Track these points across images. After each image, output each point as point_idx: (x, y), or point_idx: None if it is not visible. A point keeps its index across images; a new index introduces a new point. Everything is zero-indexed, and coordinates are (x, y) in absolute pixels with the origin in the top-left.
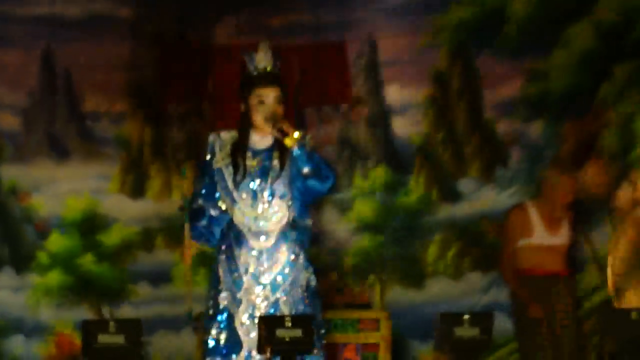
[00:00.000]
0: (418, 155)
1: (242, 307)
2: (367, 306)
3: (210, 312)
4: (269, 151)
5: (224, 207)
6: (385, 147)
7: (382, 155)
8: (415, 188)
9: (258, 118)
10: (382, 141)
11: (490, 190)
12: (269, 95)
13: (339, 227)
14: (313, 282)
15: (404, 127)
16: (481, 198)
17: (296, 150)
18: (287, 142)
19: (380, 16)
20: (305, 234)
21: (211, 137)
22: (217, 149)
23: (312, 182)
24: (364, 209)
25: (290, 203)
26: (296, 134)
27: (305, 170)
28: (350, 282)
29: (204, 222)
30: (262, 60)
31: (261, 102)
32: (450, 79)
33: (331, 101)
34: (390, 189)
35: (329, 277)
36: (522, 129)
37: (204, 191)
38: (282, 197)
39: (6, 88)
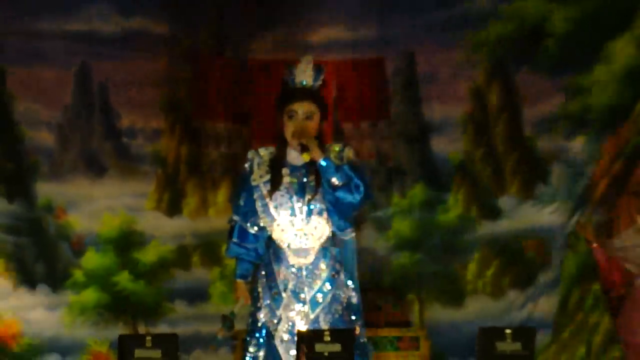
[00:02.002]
0: (457, 173)
1: (281, 325)
2: (406, 324)
3: (249, 329)
4: (306, 167)
5: (262, 224)
6: (424, 164)
7: (421, 173)
8: (454, 206)
9: (287, 134)
10: (420, 159)
11: (531, 208)
12: (298, 111)
13: (378, 245)
14: (355, 300)
15: (442, 145)
16: (521, 215)
17: (321, 162)
18: (304, 157)
19: (419, 32)
20: (347, 248)
21: (250, 154)
22: (255, 166)
23: (342, 194)
24: (403, 226)
25: (328, 218)
26: (312, 151)
27: (334, 181)
28: (389, 300)
29: (236, 240)
30: (301, 75)
31: (290, 118)
32: (489, 96)
33: (369, 118)
34: (429, 207)
35: (368, 295)
36: (563, 145)
37: (241, 208)
38: (320, 213)
39: (42, 105)
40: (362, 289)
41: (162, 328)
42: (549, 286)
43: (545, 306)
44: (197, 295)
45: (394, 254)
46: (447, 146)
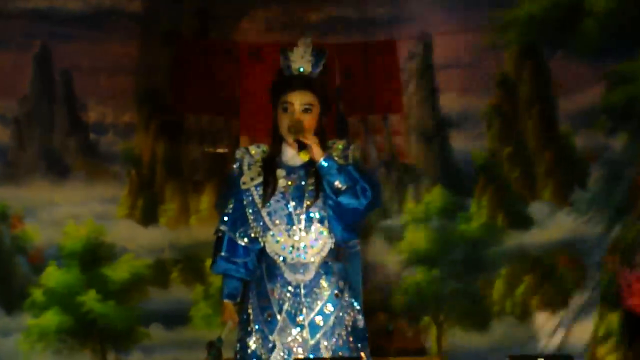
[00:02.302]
0: (480, 175)
1: (275, 353)
2: (421, 352)
3: (238, 357)
4: (305, 168)
5: (253, 235)
6: (442, 165)
7: (438, 175)
8: (478, 213)
9: (282, 129)
10: (438, 158)
11: (566, 216)
12: (294, 102)
13: (388, 259)
14: (361, 324)
15: (463, 142)
16: (555, 225)
17: (322, 162)
18: (301, 156)
19: (436, 11)
20: (351, 263)
21: (238, 153)
22: (245, 166)
23: (346, 199)
24: (417, 238)
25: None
26: (313, 151)
27: (337, 184)
28: (401, 324)
29: (223, 253)
30: (298, 60)
31: (285, 110)
32: (519, 85)
33: (379, 110)
34: (448, 215)
35: (377, 318)
36: (604, 142)
37: (228, 216)
38: (321, 221)
39: None
40: (370, 310)
41: (136, 356)
42: (584, 309)
43: (578, 333)
44: (177, 318)
45: (407, 269)
46: (469, 143)
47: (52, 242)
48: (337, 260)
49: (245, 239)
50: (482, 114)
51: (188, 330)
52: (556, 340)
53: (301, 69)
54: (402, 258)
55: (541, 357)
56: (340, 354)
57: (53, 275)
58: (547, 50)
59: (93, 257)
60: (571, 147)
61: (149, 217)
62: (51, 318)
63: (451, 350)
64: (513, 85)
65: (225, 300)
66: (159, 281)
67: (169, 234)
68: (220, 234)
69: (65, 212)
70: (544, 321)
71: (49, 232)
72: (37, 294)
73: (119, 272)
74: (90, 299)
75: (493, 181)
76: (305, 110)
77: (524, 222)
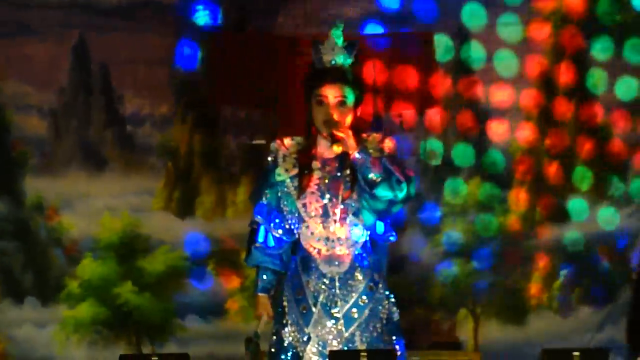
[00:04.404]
0: (519, 167)
1: (310, 345)
2: (457, 346)
3: (273, 350)
4: (340, 160)
5: (288, 227)
6: (480, 157)
7: (476, 167)
8: (516, 206)
9: (317, 122)
10: (475, 150)
11: (606, 208)
12: (328, 96)
13: (425, 252)
14: (395, 316)
15: (501, 134)
16: (594, 217)
17: (356, 155)
18: (335, 148)
19: (473, 4)
20: (383, 255)
21: (274, 145)
22: (280, 158)
23: (380, 191)
24: (454, 230)
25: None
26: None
27: (371, 176)
28: (437, 317)
29: (258, 244)
30: (330, 52)
31: (319, 103)
32: (557, 76)
33: (415, 103)
34: (486, 207)
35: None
36: None
37: (263, 207)
38: (356, 214)
39: (32, 86)
40: (406, 303)
41: (171, 348)
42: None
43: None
44: (212, 310)
45: (443, 262)
46: (508, 135)
47: (88, 234)
48: (372, 253)
49: (280, 231)
50: (521, 106)
51: (224, 323)
52: (602, 336)
53: (333, 62)
54: (439, 251)
55: (576, 351)
56: (374, 346)
57: (89, 267)
58: (587, 41)
59: (129, 249)
60: (611, 138)
61: (185, 210)
62: (87, 310)
63: (487, 343)
64: (552, 76)
65: (260, 294)
66: (195, 274)
67: (205, 226)
68: (255, 226)
69: (101, 204)
70: (587, 316)
71: (85, 223)
72: (73, 286)
73: (154, 264)
74: (125, 290)
75: (531, 173)
76: (339, 104)
77: (562, 215)
